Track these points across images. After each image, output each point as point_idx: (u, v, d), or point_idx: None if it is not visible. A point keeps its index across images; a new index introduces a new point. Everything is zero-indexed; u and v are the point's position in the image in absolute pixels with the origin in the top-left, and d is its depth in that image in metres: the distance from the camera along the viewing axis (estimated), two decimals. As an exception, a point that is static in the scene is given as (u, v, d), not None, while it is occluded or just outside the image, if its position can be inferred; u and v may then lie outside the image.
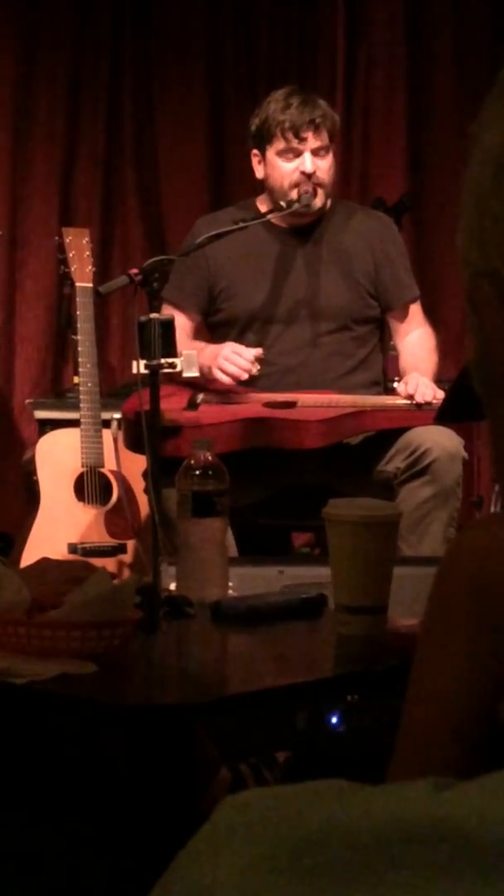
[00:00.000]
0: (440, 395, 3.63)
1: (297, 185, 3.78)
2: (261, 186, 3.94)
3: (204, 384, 3.72)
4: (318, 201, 3.82)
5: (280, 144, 3.79)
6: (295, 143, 3.78)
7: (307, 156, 3.78)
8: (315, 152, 3.79)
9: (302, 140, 3.77)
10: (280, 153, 3.80)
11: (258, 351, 3.70)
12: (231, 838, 0.46)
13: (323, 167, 3.80)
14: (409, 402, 3.67)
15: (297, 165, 3.78)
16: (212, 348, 3.75)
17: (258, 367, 3.69)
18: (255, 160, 3.88)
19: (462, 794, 0.45)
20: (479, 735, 0.86)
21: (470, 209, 0.57)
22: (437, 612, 0.89)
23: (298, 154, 3.79)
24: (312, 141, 3.78)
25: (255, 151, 3.88)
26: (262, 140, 3.83)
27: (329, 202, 3.90)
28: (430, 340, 3.94)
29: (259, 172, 3.88)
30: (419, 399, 3.64)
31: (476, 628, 0.86)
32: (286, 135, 3.78)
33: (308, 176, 3.77)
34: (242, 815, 0.47)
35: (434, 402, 3.61)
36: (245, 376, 3.67)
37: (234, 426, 3.62)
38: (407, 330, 3.93)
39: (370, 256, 3.90)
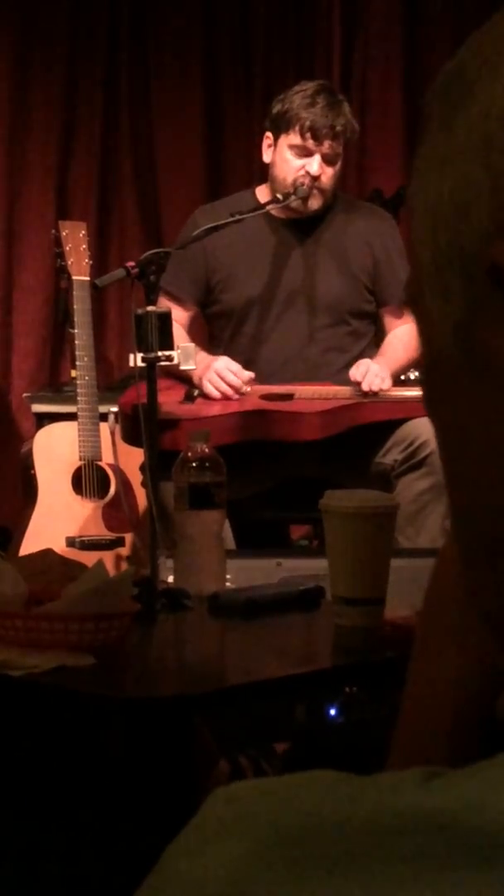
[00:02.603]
0: (388, 384, 3.64)
1: (296, 180, 3.78)
2: (262, 173, 3.93)
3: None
4: (315, 203, 3.81)
5: (295, 139, 3.78)
6: (310, 144, 3.77)
7: (317, 158, 3.77)
8: (325, 157, 3.78)
9: (318, 143, 3.76)
10: (292, 147, 3.79)
11: (251, 375, 3.71)
12: (221, 830, 0.46)
13: (329, 173, 3.79)
14: (357, 388, 3.67)
15: (303, 164, 3.78)
16: (204, 356, 3.75)
17: (248, 388, 3.69)
18: (265, 142, 3.87)
19: (452, 784, 0.45)
20: (477, 726, 0.86)
21: (462, 171, 0.55)
22: (435, 602, 0.89)
23: (309, 154, 3.77)
24: (327, 147, 3.77)
25: (268, 134, 3.86)
26: (279, 127, 3.82)
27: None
28: (415, 337, 3.93)
29: (266, 156, 3.87)
30: (366, 387, 3.65)
31: (473, 619, 0.86)
32: (304, 133, 3.76)
33: (312, 178, 3.77)
34: (232, 806, 0.47)
35: (382, 391, 3.63)
36: (235, 397, 3.68)
37: (232, 418, 3.62)
38: (397, 325, 3.93)
39: (369, 252, 3.90)
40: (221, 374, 3.68)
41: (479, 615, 0.62)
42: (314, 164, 3.77)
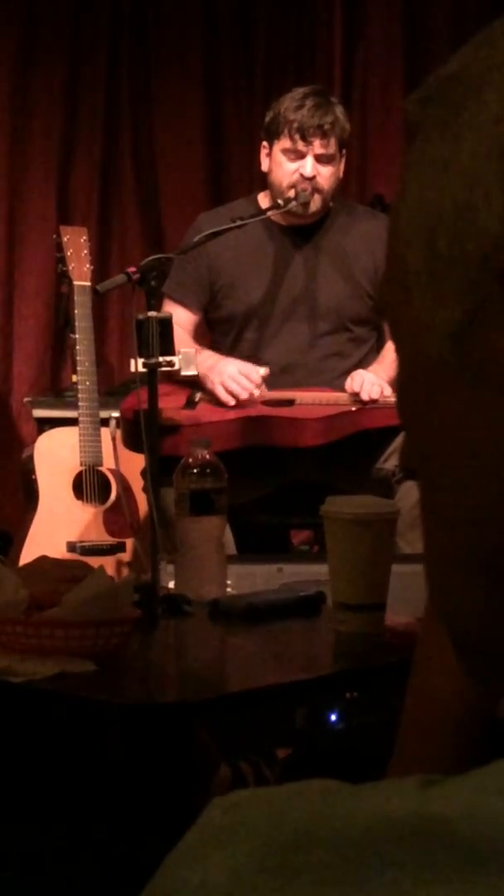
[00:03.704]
0: (388, 391, 3.64)
1: (294, 185, 3.78)
2: (264, 177, 3.94)
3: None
4: (315, 205, 3.81)
5: (286, 143, 3.78)
6: (300, 146, 3.77)
7: (309, 160, 3.77)
8: (319, 158, 3.77)
9: (308, 143, 3.76)
10: (285, 151, 3.79)
11: (265, 371, 3.70)
12: (219, 839, 0.46)
13: (324, 174, 3.79)
14: (356, 396, 3.66)
15: (298, 167, 3.78)
16: (209, 355, 3.74)
17: (262, 388, 3.69)
18: (263, 152, 3.87)
19: (449, 791, 0.44)
20: (478, 731, 0.86)
21: (479, 166, 0.55)
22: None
23: (302, 156, 3.77)
24: (318, 146, 3.76)
25: (264, 143, 3.87)
26: (272, 134, 3.83)
27: (331, 205, 3.89)
28: None
29: (264, 165, 3.88)
30: (365, 397, 3.65)
31: None
32: (293, 135, 3.76)
33: (307, 179, 3.77)
34: (230, 815, 0.47)
35: (381, 399, 3.62)
36: (245, 396, 3.66)
37: (233, 424, 3.62)
38: None
39: (371, 258, 3.89)
40: (237, 379, 3.66)
41: (453, 638, 0.60)
42: (307, 166, 3.77)
